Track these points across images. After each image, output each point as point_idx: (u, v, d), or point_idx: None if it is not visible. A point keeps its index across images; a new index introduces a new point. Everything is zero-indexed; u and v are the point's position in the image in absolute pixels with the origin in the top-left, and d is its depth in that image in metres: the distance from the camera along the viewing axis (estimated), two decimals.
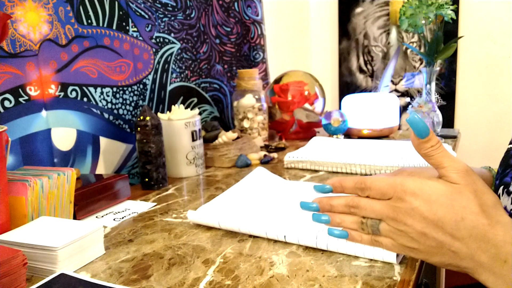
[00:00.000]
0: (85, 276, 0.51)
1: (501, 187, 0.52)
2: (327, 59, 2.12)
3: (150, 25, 1.02)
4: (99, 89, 0.88)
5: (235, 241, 0.60)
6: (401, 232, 0.45)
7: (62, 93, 0.81)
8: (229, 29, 1.32)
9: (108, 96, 0.90)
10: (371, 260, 0.51)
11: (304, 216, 0.59)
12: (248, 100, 1.15)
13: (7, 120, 0.71)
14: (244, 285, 0.48)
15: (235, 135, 1.05)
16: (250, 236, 0.61)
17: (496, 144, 1.84)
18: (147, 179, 0.86)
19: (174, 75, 1.11)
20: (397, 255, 0.50)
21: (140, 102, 0.99)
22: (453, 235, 0.42)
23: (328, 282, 0.47)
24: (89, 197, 0.72)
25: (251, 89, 1.17)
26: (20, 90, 0.73)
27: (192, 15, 1.18)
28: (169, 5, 1.09)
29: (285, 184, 0.81)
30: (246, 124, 1.17)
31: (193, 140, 0.94)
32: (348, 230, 0.50)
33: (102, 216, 0.73)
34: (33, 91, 0.75)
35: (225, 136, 1.03)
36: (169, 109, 1.08)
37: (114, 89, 0.92)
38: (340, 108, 1.29)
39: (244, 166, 1.00)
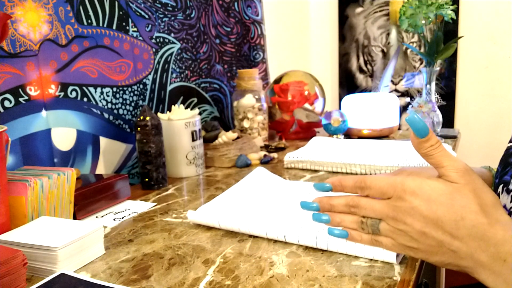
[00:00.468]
0: (85, 276, 0.51)
1: (501, 186, 0.52)
2: (327, 59, 2.12)
3: (150, 25, 1.02)
4: (99, 89, 0.88)
5: (235, 241, 0.60)
6: (401, 231, 0.45)
7: (62, 93, 0.81)
8: (229, 29, 1.32)
9: (108, 96, 0.90)
10: (371, 260, 0.51)
11: (304, 216, 0.59)
12: (248, 100, 1.15)
13: (7, 120, 0.71)
14: (244, 285, 0.48)
15: (235, 135, 1.05)
16: (250, 236, 0.61)
17: (496, 144, 1.84)
18: (147, 179, 0.86)
19: (174, 75, 1.11)
20: (397, 255, 0.50)
21: (140, 102, 0.99)
22: (453, 234, 0.42)
23: (328, 282, 0.47)
24: (89, 197, 0.72)
25: (251, 89, 1.17)
26: (20, 90, 0.73)
27: (192, 15, 1.18)
28: (169, 5, 1.09)
29: (285, 184, 0.81)
30: (246, 124, 1.17)
31: (193, 140, 0.94)
32: (348, 229, 0.50)
33: (102, 216, 0.73)
34: (33, 91, 0.75)
35: (225, 136, 1.03)
36: (169, 109, 1.08)
37: (114, 89, 0.92)
38: (340, 108, 1.29)
39: (244, 166, 1.00)
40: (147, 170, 0.85)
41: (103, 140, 0.90)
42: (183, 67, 1.15)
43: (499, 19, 1.77)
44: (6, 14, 0.61)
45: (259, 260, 0.53)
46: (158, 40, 1.05)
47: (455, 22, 1.81)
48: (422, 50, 1.84)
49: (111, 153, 0.92)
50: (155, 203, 0.78)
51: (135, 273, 0.52)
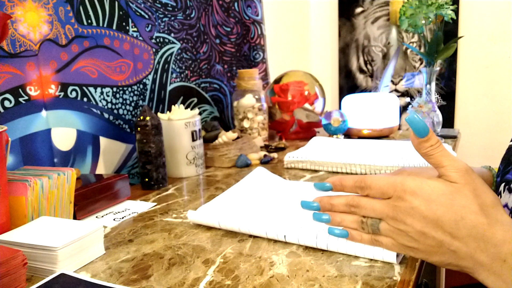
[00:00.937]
0: (85, 276, 0.51)
1: (503, 184, 0.52)
2: (327, 60, 2.12)
3: (150, 25, 1.02)
4: (99, 89, 0.88)
5: (235, 241, 0.60)
6: (401, 231, 0.45)
7: (62, 93, 0.81)
8: (229, 29, 1.32)
9: (108, 96, 0.90)
10: (371, 260, 0.51)
11: (304, 216, 0.59)
12: (248, 100, 1.15)
13: (7, 120, 0.71)
14: (244, 285, 0.48)
15: (235, 135, 1.05)
16: (250, 236, 0.61)
17: (496, 144, 1.84)
18: (147, 179, 0.86)
19: (174, 75, 1.11)
20: (397, 255, 0.50)
21: (140, 102, 0.99)
22: (453, 234, 0.42)
23: (328, 282, 0.47)
24: (89, 197, 0.72)
25: (251, 89, 1.17)
26: (20, 90, 0.73)
27: (192, 15, 1.18)
28: (169, 5, 1.09)
29: (285, 184, 0.81)
30: (246, 124, 1.17)
31: (193, 140, 0.94)
32: (348, 229, 0.50)
33: (102, 216, 0.73)
34: (33, 91, 0.75)
35: (225, 136, 1.03)
36: (169, 109, 1.08)
37: (114, 89, 0.92)
38: (340, 108, 1.29)
39: (244, 166, 1.00)
40: (147, 170, 0.85)
41: (103, 140, 0.90)
42: (183, 67, 1.15)
43: (499, 19, 1.77)
44: (6, 14, 0.61)
45: (259, 260, 0.53)
46: (158, 40, 1.05)
47: (455, 22, 1.81)
48: (422, 50, 1.84)
49: (111, 153, 0.92)
50: (155, 203, 0.78)
51: (135, 273, 0.52)
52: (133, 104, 0.97)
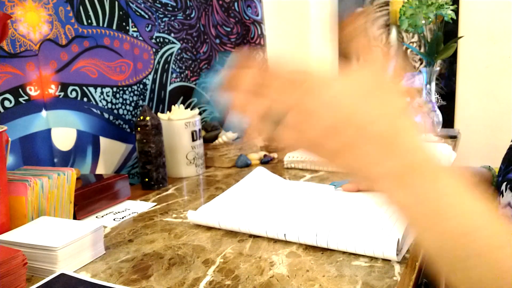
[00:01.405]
0: (85, 276, 0.51)
1: (504, 183, 0.52)
2: (327, 60, 2.12)
3: (150, 25, 1.02)
4: (99, 89, 0.88)
5: (235, 241, 0.60)
6: (309, 125, 0.38)
7: (62, 93, 0.81)
8: (229, 29, 1.32)
9: (108, 96, 0.90)
10: (371, 260, 0.51)
11: (304, 215, 0.59)
12: None
13: (7, 120, 0.71)
14: (244, 285, 0.48)
15: (235, 135, 1.05)
16: (250, 236, 0.61)
17: (496, 144, 1.84)
18: (147, 179, 0.86)
19: (174, 75, 1.11)
20: (397, 253, 0.50)
21: (140, 102, 0.99)
22: (363, 136, 0.37)
23: (328, 282, 0.47)
24: (89, 197, 0.72)
25: None
26: (20, 90, 0.73)
27: (192, 15, 1.17)
28: (169, 5, 1.09)
29: (285, 184, 0.81)
30: None
31: (193, 140, 0.94)
32: (250, 119, 0.41)
33: (102, 216, 0.73)
34: (33, 91, 0.75)
35: (225, 136, 1.03)
36: (169, 109, 1.08)
37: (114, 89, 0.92)
38: None
39: (244, 166, 1.00)
40: (147, 170, 0.85)
41: (103, 140, 0.90)
42: (183, 67, 1.15)
43: (499, 19, 1.77)
44: (6, 14, 0.61)
45: (259, 260, 0.53)
46: (158, 40, 1.05)
47: (455, 22, 1.81)
48: (422, 50, 1.84)
49: (111, 153, 0.92)
50: (155, 203, 0.78)
51: (135, 273, 0.52)
52: (133, 104, 0.97)
